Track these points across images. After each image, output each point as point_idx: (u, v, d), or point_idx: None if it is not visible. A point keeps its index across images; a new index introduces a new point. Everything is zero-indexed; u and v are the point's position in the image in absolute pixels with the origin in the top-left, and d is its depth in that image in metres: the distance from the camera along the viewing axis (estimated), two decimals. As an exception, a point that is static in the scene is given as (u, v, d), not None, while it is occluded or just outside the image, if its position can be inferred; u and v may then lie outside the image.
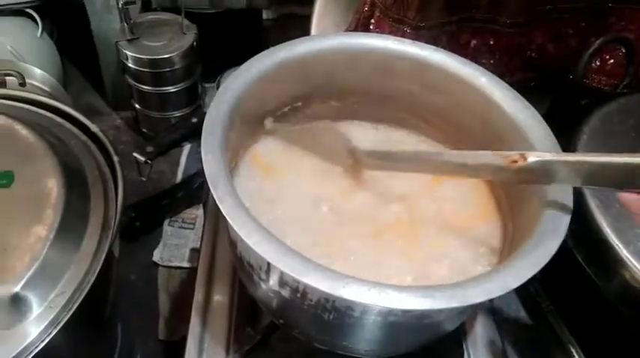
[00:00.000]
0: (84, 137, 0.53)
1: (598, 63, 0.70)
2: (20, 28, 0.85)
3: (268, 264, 0.38)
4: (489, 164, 0.39)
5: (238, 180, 0.46)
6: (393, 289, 0.34)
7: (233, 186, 0.38)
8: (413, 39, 0.51)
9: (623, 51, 0.67)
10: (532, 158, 0.37)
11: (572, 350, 0.49)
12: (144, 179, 0.68)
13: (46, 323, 0.41)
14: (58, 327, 0.41)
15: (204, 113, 0.73)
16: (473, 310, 0.49)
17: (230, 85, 0.43)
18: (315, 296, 0.37)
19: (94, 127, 0.52)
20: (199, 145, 0.89)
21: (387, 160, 0.46)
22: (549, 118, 0.46)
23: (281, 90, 0.49)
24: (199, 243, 0.81)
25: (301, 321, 0.43)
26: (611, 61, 0.70)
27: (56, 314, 0.41)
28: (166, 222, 0.85)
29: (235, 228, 0.35)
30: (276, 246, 0.35)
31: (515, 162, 0.37)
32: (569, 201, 0.39)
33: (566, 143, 0.50)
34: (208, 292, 0.52)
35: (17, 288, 0.40)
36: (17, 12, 0.86)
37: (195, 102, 0.90)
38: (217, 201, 0.36)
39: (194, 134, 0.71)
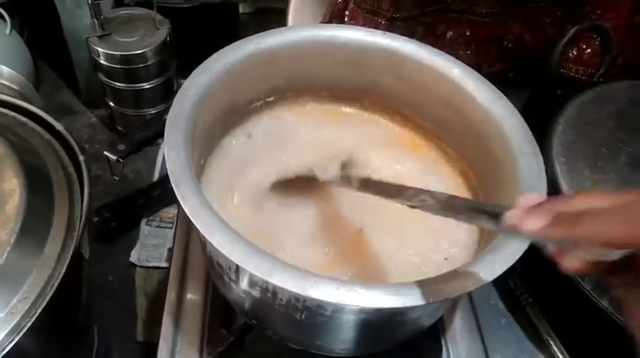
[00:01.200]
0: (48, 136, 0.51)
1: (575, 52, 0.70)
2: (-13, 25, 0.82)
3: (237, 264, 0.37)
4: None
5: (206, 178, 0.45)
6: (362, 287, 0.33)
7: (198, 185, 0.37)
8: (387, 30, 0.50)
9: (600, 40, 0.66)
10: None
11: (551, 343, 0.49)
12: (117, 178, 0.66)
13: (7, 331, 0.39)
14: (21, 334, 0.40)
15: (178, 110, 0.73)
16: (450, 305, 0.48)
17: (194, 80, 0.42)
18: (285, 296, 0.36)
19: (58, 126, 0.50)
20: (175, 143, 0.87)
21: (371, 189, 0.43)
22: (528, 109, 0.45)
23: (251, 85, 0.48)
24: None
25: (274, 321, 0.42)
26: (588, 50, 0.69)
27: (18, 321, 0.40)
28: (144, 221, 0.83)
29: (199, 227, 0.34)
30: (242, 246, 0.34)
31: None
32: (543, 193, 0.38)
33: (542, 133, 0.50)
34: (181, 293, 0.51)
35: (-24, 295, 0.39)
36: (-15, 10, 0.83)
37: (170, 98, 0.88)
38: (180, 200, 0.35)
39: (168, 131, 0.69)
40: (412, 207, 0.34)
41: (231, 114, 0.47)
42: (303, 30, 0.48)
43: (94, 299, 0.58)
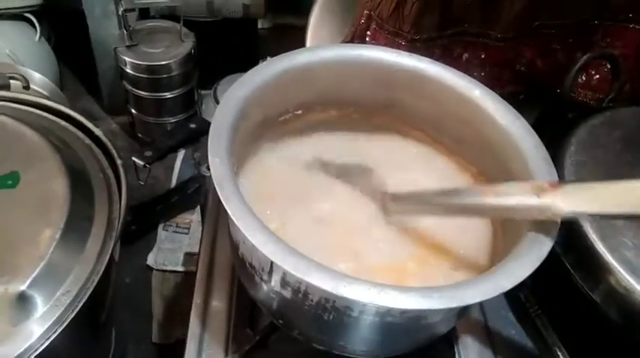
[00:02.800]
0: (87, 140, 0.54)
1: (584, 78, 0.73)
2: (19, 32, 0.86)
3: (271, 264, 0.39)
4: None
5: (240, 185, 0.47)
6: (392, 289, 0.35)
7: (238, 188, 0.39)
8: (408, 51, 0.53)
9: (608, 67, 0.69)
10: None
11: (560, 355, 0.51)
12: (142, 183, 0.68)
13: (51, 322, 0.42)
14: (63, 326, 0.42)
15: (202, 119, 0.76)
16: (465, 313, 0.50)
17: (235, 92, 0.45)
18: (315, 296, 0.39)
19: (97, 131, 0.53)
20: (194, 151, 0.90)
21: (414, 203, 0.47)
22: (537, 130, 0.48)
23: (283, 99, 0.51)
24: (195, 247, 0.83)
25: (301, 322, 0.44)
26: (597, 76, 0.72)
27: (61, 313, 0.42)
28: (161, 226, 0.86)
29: (241, 227, 0.36)
30: (281, 246, 0.36)
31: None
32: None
33: (555, 154, 0.52)
34: (207, 294, 0.53)
35: (23, 287, 0.41)
36: (16, 16, 0.87)
37: (191, 108, 0.92)
38: (223, 201, 0.37)
39: (191, 140, 0.72)
40: None
41: (263, 126, 0.50)
42: (333, 49, 0.51)
43: (114, 300, 0.60)
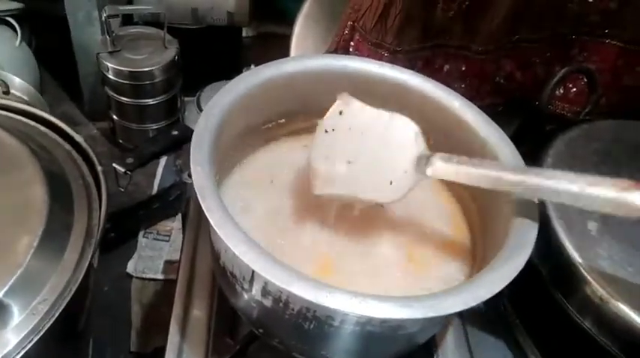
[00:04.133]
0: (67, 146, 0.53)
1: (562, 91, 0.74)
2: (-1, 36, 0.85)
3: (252, 273, 0.39)
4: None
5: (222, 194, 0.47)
6: (373, 298, 0.35)
7: (220, 198, 0.39)
8: (390, 62, 0.53)
9: (585, 80, 0.71)
10: None
11: (536, 362, 0.52)
12: (122, 190, 0.68)
13: (27, 331, 0.41)
14: (40, 335, 0.41)
15: (185, 126, 0.76)
16: (445, 323, 0.51)
17: (219, 100, 0.45)
18: (297, 306, 0.39)
19: (77, 137, 0.53)
20: (176, 158, 0.90)
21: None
22: (516, 141, 0.49)
23: (267, 107, 0.51)
24: (175, 255, 0.82)
25: (281, 331, 0.44)
26: (574, 89, 0.74)
27: (38, 322, 0.42)
28: (141, 233, 0.85)
29: (223, 237, 0.37)
30: (262, 256, 0.36)
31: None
32: (534, 217, 0.42)
33: (533, 165, 0.53)
34: (187, 303, 0.52)
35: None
36: (-4, 20, 0.85)
37: (174, 115, 0.91)
38: (205, 211, 0.37)
39: (174, 147, 0.72)
40: None
41: (246, 134, 0.50)
42: (317, 59, 0.52)
43: (92, 308, 0.59)
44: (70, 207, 0.48)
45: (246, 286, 0.42)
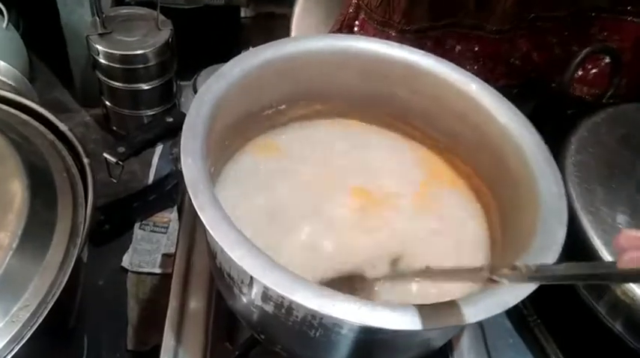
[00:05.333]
0: (51, 136, 0.49)
1: (580, 72, 0.70)
2: (-17, 18, 0.80)
3: (251, 277, 0.36)
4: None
5: (218, 187, 0.44)
6: (384, 307, 0.32)
7: (214, 194, 0.35)
8: (398, 42, 0.49)
9: (606, 61, 0.67)
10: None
11: (559, 364, 0.49)
12: (114, 180, 0.64)
13: (7, 339, 0.38)
14: (21, 343, 0.38)
15: (181, 112, 0.71)
16: (462, 326, 0.47)
17: (212, 86, 0.41)
18: (301, 313, 0.35)
19: (62, 126, 0.49)
20: (173, 146, 0.86)
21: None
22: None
23: (266, 92, 0.47)
24: (173, 248, 0.79)
25: (285, 337, 0.41)
26: (594, 70, 0.70)
27: (19, 329, 0.38)
28: (137, 225, 0.81)
29: (217, 239, 0.33)
30: (261, 260, 0.32)
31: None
32: (563, 217, 0.38)
33: (554, 152, 0.49)
34: (183, 301, 0.49)
35: (-25, 301, 0.37)
36: (-19, 2, 0.81)
37: (169, 100, 0.87)
38: (197, 211, 0.34)
39: (169, 134, 0.68)
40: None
41: (244, 121, 0.46)
42: (320, 39, 0.48)
43: (85, 304, 0.56)
44: (53, 203, 0.44)
45: (244, 290, 0.38)
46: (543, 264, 0.33)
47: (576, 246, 0.44)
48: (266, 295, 0.36)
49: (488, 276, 0.33)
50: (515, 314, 0.51)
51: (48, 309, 0.40)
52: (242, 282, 0.37)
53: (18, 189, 0.42)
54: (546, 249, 0.36)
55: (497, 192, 0.46)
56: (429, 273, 0.40)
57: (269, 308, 0.37)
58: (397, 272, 0.41)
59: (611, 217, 0.45)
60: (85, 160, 0.47)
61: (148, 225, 0.82)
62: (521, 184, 0.42)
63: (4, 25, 0.83)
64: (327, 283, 0.40)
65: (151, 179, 0.87)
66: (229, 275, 0.39)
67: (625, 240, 0.25)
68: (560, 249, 0.36)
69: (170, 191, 0.84)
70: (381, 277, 0.41)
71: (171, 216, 0.83)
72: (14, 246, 0.39)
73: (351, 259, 0.42)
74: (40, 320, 0.39)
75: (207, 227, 0.33)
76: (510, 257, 0.38)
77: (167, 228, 0.82)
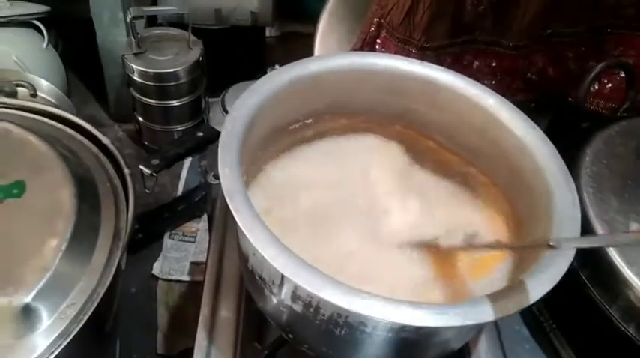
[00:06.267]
0: (95, 149, 0.53)
1: (596, 87, 0.72)
2: (26, 39, 0.85)
3: (282, 277, 0.38)
4: None
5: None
6: (408, 305, 0.34)
7: (249, 199, 0.38)
8: (418, 59, 0.52)
9: (621, 75, 0.69)
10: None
11: (574, 369, 0.50)
12: (148, 191, 0.67)
13: (56, 335, 0.41)
14: (68, 339, 0.41)
15: (210, 127, 0.75)
16: (479, 328, 0.49)
17: (245, 101, 0.44)
18: (328, 311, 0.38)
19: (105, 140, 0.53)
20: (201, 159, 0.89)
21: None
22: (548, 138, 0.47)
23: (293, 108, 0.50)
24: (201, 256, 0.82)
25: (311, 336, 0.43)
26: (609, 85, 0.72)
27: (66, 326, 0.41)
28: (167, 235, 0.85)
29: (251, 240, 0.36)
30: (292, 259, 0.35)
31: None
32: (577, 225, 0.40)
33: (570, 164, 0.51)
34: (215, 306, 0.52)
35: (28, 299, 0.40)
36: (24, 24, 0.86)
37: (198, 116, 0.91)
38: (233, 213, 0.36)
39: (198, 148, 0.71)
40: None
41: (274, 134, 0.49)
42: (345, 57, 0.50)
43: (120, 309, 0.59)
44: (97, 210, 0.47)
45: (275, 290, 0.41)
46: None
47: (590, 252, 0.46)
48: (295, 294, 0.38)
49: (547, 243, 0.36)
50: (532, 320, 0.53)
51: (93, 308, 0.43)
52: (273, 283, 0.40)
53: (66, 197, 0.45)
54: (560, 255, 0.38)
55: (514, 202, 0.48)
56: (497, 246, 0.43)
57: (298, 307, 0.39)
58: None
59: (624, 225, 0.46)
60: (126, 171, 0.50)
61: (177, 234, 0.85)
62: (537, 194, 0.44)
63: (45, 45, 0.88)
64: None
65: (180, 191, 0.90)
66: (260, 276, 0.42)
67: None
68: (574, 253, 0.37)
69: (198, 202, 0.88)
70: None
71: (199, 226, 0.86)
72: (63, 248, 0.43)
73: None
74: (86, 318, 0.43)
75: (241, 228, 0.36)
76: (526, 262, 0.40)
77: (195, 237, 0.85)
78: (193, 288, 0.79)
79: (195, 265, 0.82)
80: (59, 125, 0.54)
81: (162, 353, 0.73)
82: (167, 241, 0.84)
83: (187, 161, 0.94)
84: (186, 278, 0.81)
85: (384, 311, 0.33)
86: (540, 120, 0.53)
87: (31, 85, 0.58)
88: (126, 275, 0.78)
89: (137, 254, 0.82)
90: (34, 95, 0.58)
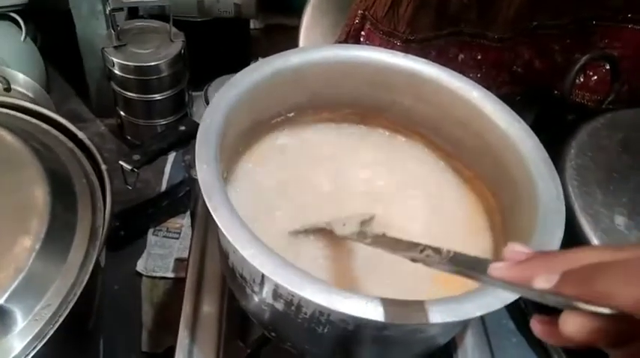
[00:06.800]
0: (70, 144, 0.52)
1: (582, 79, 0.71)
2: (3, 32, 0.83)
3: (262, 276, 0.38)
4: None
5: (230, 191, 0.46)
6: (391, 303, 0.33)
7: (228, 197, 0.37)
8: (403, 52, 0.51)
9: (607, 68, 0.68)
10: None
11: (560, 362, 0.50)
12: (129, 187, 0.66)
13: (30, 337, 0.40)
14: (43, 341, 0.40)
15: (193, 121, 0.74)
16: (465, 323, 0.49)
17: (224, 94, 0.43)
18: (309, 310, 0.37)
19: (81, 134, 0.51)
20: (185, 154, 0.88)
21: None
22: (535, 132, 0.46)
23: (275, 101, 0.49)
24: (186, 253, 0.81)
25: (294, 334, 0.42)
26: (595, 77, 0.71)
27: (41, 328, 0.40)
28: (150, 231, 0.83)
29: (230, 239, 0.35)
30: (272, 258, 0.34)
31: None
32: (561, 218, 0.39)
33: (555, 156, 0.51)
34: (197, 303, 0.51)
35: (1, 300, 0.39)
36: (1, 16, 0.84)
37: (181, 110, 0.89)
38: (211, 211, 0.36)
39: (182, 142, 0.70)
40: (415, 261, 0.33)
41: (253, 129, 0.48)
42: (328, 49, 0.49)
43: (102, 307, 0.58)
44: (73, 207, 0.46)
45: (256, 289, 0.40)
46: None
47: (575, 245, 0.45)
48: (276, 293, 0.38)
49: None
50: (518, 314, 0.53)
51: (69, 309, 0.42)
52: (254, 281, 0.39)
53: (40, 195, 0.44)
54: (545, 247, 0.37)
55: (499, 195, 0.47)
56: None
57: (279, 305, 0.39)
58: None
59: (610, 218, 0.46)
60: (103, 167, 0.49)
61: (161, 230, 0.84)
62: (521, 186, 0.43)
63: (22, 38, 0.86)
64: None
65: (163, 186, 0.89)
66: (241, 275, 0.41)
67: (508, 253, 0.27)
68: (558, 248, 0.37)
69: (182, 198, 0.86)
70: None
71: (183, 221, 0.85)
72: (37, 247, 0.41)
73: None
74: (61, 319, 0.41)
75: (220, 227, 0.35)
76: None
77: (179, 233, 0.84)
78: (178, 285, 0.78)
79: (179, 261, 0.81)
80: (33, 120, 0.52)
81: (147, 351, 0.72)
82: (151, 237, 0.83)
83: (171, 156, 0.92)
84: (170, 275, 0.80)
85: (364, 310, 0.33)
86: (526, 114, 0.53)
87: (5, 79, 0.56)
88: (109, 272, 0.77)
89: (120, 251, 0.80)
90: (7, 89, 0.56)
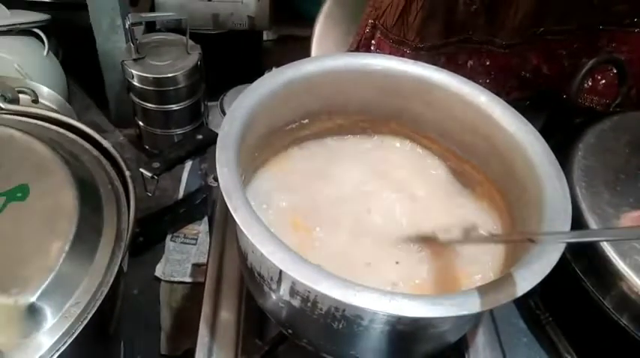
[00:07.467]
0: (95, 152, 0.54)
1: (590, 83, 0.73)
2: (27, 47, 0.87)
3: (280, 273, 0.39)
4: None
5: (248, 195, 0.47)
6: (403, 297, 0.35)
7: (247, 198, 0.39)
8: (412, 59, 0.53)
9: (614, 71, 0.69)
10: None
11: (571, 361, 0.51)
12: (149, 194, 0.68)
13: (60, 333, 0.42)
14: (72, 337, 0.42)
15: (209, 130, 0.76)
16: (475, 321, 0.50)
17: (242, 103, 0.45)
18: (325, 305, 0.38)
19: (105, 143, 0.54)
20: (201, 162, 0.90)
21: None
22: (544, 136, 0.48)
23: (289, 108, 0.51)
24: (203, 258, 0.83)
25: (310, 331, 0.44)
26: (603, 81, 0.72)
27: (70, 325, 0.42)
28: (169, 237, 0.86)
29: (249, 237, 0.36)
30: (289, 255, 0.36)
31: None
32: (567, 217, 0.41)
33: (562, 159, 0.52)
34: (216, 304, 0.53)
35: (33, 299, 0.41)
36: (25, 32, 0.88)
37: (198, 119, 0.92)
38: (232, 211, 0.37)
39: (198, 151, 0.72)
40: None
41: (270, 134, 0.50)
42: (339, 58, 0.51)
43: (123, 311, 0.60)
44: (99, 212, 0.48)
45: (274, 286, 0.41)
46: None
47: (583, 246, 0.46)
48: (293, 289, 0.39)
49: (528, 238, 0.38)
50: (528, 313, 0.54)
51: (96, 307, 0.44)
52: (271, 279, 0.41)
53: (68, 199, 0.47)
54: (551, 247, 0.38)
55: (508, 197, 0.49)
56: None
57: (296, 302, 0.40)
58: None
59: (616, 218, 0.47)
60: (127, 173, 0.52)
61: (178, 236, 0.86)
62: (529, 188, 0.45)
63: (45, 52, 0.89)
64: None
65: (181, 194, 0.92)
66: (259, 273, 0.43)
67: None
68: (564, 248, 0.38)
69: (199, 205, 0.89)
70: None
71: (200, 228, 0.88)
72: (66, 249, 0.44)
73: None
74: (89, 316, 0.44)
75: (240, 226, 0.37)
76: (519, 253, 0.41)
77: (196, 239, 0.86)
78: (195, 289, 0.80)
79: (196, 266, 0.83)
80: (60, 130, 0.55)
81: (165, 354, 0.74)
82: (169, 243, 0.85)
83: (188, 164, 0.95)
84: (188, 279, 0.82)
85: (378, 303, 0.34)
86: (536, 118, 0.54)
87: (33, 92, 0.59)
88: (129, 277, 0.80)
89: (140, 257, 0.83)
90: (35, 101, 0.59)
